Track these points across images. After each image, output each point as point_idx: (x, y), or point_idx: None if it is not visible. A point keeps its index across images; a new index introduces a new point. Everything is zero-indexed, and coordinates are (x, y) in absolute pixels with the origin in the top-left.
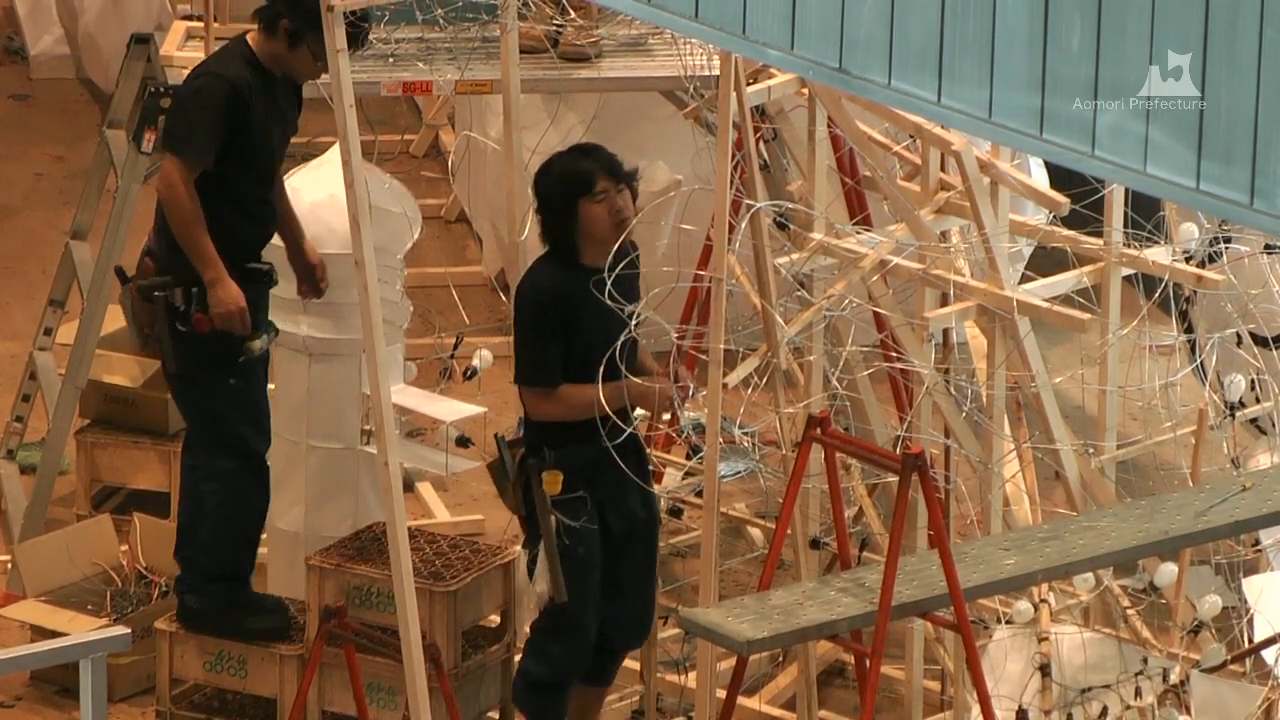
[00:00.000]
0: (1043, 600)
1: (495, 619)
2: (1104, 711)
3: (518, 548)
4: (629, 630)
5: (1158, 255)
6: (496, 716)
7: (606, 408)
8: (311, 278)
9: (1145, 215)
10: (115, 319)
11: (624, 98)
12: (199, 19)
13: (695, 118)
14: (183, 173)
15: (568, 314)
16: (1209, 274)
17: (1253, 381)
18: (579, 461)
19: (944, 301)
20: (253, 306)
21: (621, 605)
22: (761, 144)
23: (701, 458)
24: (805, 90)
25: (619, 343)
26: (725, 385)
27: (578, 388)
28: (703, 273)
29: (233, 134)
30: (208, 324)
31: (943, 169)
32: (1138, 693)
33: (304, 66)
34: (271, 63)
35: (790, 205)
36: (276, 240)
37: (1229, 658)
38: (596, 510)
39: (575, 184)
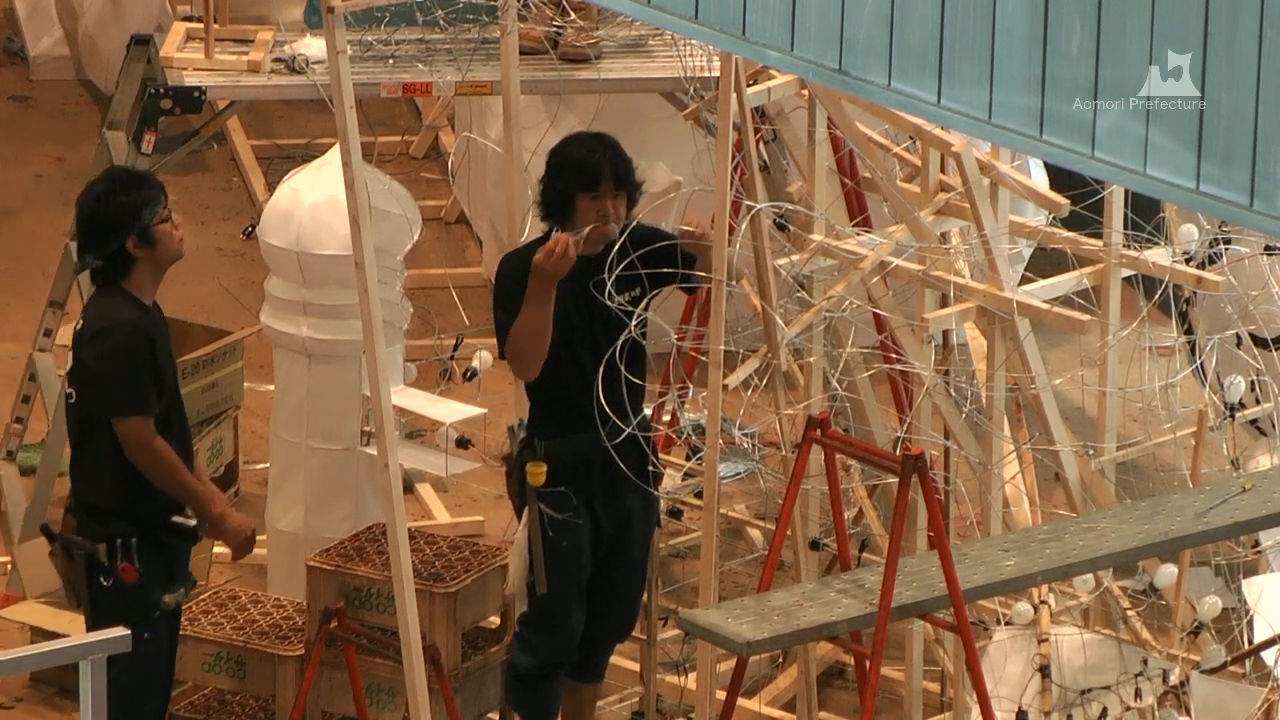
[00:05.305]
0: (1042, 601)
1: (495, 620)
2: (1104, 713)
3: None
4: (614, 626)
5: (1158, 256)
6: (496, 718)
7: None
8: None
9: (1145, 216)
10: None
11: (624, 99)
12: (199, 19)
13: (695, 119)
14: (145, 428)
15: None
16: (1209, 275)
17: (1252, 383)
18: (568, 456)
19: (944, 303)
20: (173, 561)
21: (611, 602)
22: (761, 145)
23: (701, 459)
24: (805, 91)
25: (618, 343)
26: (725, 387)
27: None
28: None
29: (154, 376)
30: (134, 573)
31: (942, 170)
32: (1138, 694)
33: (167, 241)
34: (152, 276)
35: (790, 206)
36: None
37: (1229, 659)
38: (586, 506)
39: (582, 177)
